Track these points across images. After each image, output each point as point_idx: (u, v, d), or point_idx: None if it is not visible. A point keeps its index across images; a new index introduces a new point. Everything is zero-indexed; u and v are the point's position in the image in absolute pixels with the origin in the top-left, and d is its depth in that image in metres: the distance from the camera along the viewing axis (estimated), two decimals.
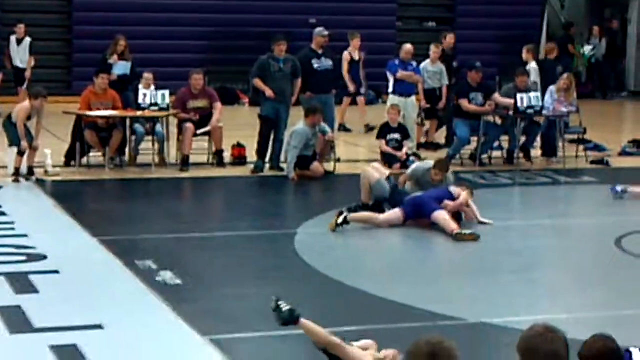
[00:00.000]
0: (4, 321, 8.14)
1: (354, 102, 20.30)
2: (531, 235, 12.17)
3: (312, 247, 11.14)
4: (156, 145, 15.93)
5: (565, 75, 17.61)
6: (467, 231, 11.60)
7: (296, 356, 7.82)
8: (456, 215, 12.07)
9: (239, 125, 18.50)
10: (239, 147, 16.43)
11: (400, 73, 17.76)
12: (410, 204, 12.13)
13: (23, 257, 10.21)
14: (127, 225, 12.10)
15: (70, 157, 15.65)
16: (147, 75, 16.41)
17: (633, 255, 11.12)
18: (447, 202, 12.06)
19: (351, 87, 19.84)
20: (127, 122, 15.65)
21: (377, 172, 12.92)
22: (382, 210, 12.40)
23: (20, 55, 21.37)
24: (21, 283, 9.25)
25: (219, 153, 16.08)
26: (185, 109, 15.94)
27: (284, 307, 6.68)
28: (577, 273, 10.69)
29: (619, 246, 11.44)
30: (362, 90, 20.40)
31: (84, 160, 15.64)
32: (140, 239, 11.42)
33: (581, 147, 17.65)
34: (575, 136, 17.82)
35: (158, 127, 16.01)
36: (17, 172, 14.34)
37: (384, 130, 16.40)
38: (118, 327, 8.12)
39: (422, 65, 18.33)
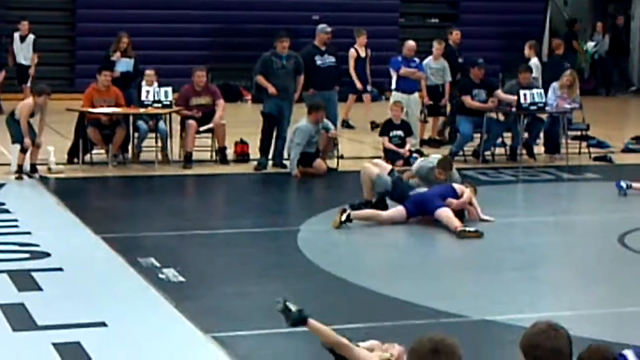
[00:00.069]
0: (7, 319, 8.14)
1: (359, 100, 20.27)
2: (534, 232, 12.16)
3: (315, 244, 11.14)
4: (159, 143, 15.94)
5: (568, 72, 17.59)
6: (471, 228, 11.59)
7: (298, 354, 7.82)
8: (459, 213, 12.06)
9: (242, 122, 18.49)
10: (242, 144, 16.43)
11: (404, 70, 17.75)
12: (414, 202, 12.12)
13: (26, 255, 10.22)
14: (131, 223, 12.11)
15: (73, 155, 15.65)
16: (149, 72, 16.42)
17: (636, 252, 11.10)
18: (450, 200, 12.06)
19: (358, 85, 19.79)
20: (130, 119, 15.65)
21: (377, 167, 12.93)
22: (385, 208, 12.40)
23: (24, 52, 21.37)
24: (24, 280, 9.25)
25: (222, 150, 16.07)
26: (188, 106, 15.94)
27: (293, 307, 6.65)
28: (580, 270, 10.68)
29: (623, 243, 11.43)
30: (369, 87, 20.34)
31: (87, 157, 15.65)
32: (144, 236, 11.43)
33: (584, 143, 17.64)
34: (578, 133, 17.80)
35: (161, 124, 16.01)
36: (20, 170, 14.35)
37: (387, 127, 16.39)
38: (121, 325, 8.12)
39: (425, 62, 18.32)
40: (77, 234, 11.35)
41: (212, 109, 16.01)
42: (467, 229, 11.55)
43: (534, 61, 18.87)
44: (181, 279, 9.50)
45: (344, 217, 11.73)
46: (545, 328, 4.39)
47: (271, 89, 15.79)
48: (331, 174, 15.43)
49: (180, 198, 14.45)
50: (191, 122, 15.72)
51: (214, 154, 16.30)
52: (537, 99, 16.39)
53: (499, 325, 8.37)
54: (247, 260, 10.58)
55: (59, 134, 17.18)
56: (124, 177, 15.16)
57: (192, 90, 16.08)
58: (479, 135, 16.82)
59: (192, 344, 7.83)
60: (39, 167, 14.60)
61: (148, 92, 15.84)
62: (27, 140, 14.29)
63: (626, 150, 18.06)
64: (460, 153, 16.73)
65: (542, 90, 16.67)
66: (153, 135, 15.92)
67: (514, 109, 16.54)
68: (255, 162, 15.88)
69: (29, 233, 11.18)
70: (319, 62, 17.12)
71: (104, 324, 8.04)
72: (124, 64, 17.69)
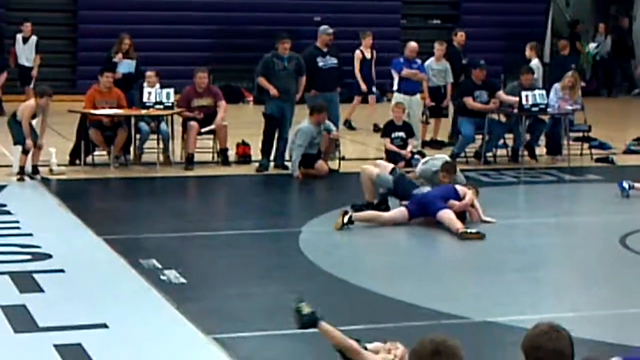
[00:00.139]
0: (9, 320, 8.15)
1: (364, 101, 20.22)
2: (536, 234, 12.16)
3: (317, 245, 11.14)
4: (161, 144, 15.93)
5: (570, 73, 17.59)
6: (473, 230, 11.59)
7: (300, 355, 7.82)
8: (461, 215, 12.05)
9: (243, 123, 18.49)
10: (243, 145, 16.43)
11: (406, 71, 17.75)
12: (416, 203, 12.13)
13: (28, 257, 10.22)
14: (132, 224, 12.11)
15: (75, 156, 15.65)
16: (150, 73, 16.40)
17: (638, 254, 11.10)
18: (453, 202, 12.05)
19: (363, 87, 19.77)
20: (132, 120, 15.66)
21: (378, 167, 12.96)
22: (387, 209, 12.40)
23: (26, 53, 21.36)
24: (26, 282, 9.26)
25: (223, 152, 16.07)
26: (190, 108, 15.94)
27: (306, 310, 6.60)
28: (582, 271, 10.67)
29: (624, 244, 11.43)
30: (374, 89, 20.28)
31: (89, 159, 15.65)
32: (145, 238, 11.43)
33: (586, 145, 17.63)
34: (580, 134, 17.80)
35: (163, 125, 16.02)
36: (22, 171, 14.35)
37: (388, 129, 16.38)
38: (122, 326, 8.12)
39: (427, 63, 18.32)
40: (79, 236, 11.35)
41: (213, 111, 16.01)
42: (469, 230, 11.55)
43: (535, 62, 18.86)
44: (183, 280, 9.50)
45: (345, 219, 11.73)
46: (547, 329, 4.38)
47: (272, 91, 15.79)
48: (333, 176, 15.43)
49: (182, 199, 14.45)
50: (193, 123, 15.72)
51: (215, 155, 16.30)
52: (538, 101, 16.39)
53: (501, 327, 8.37)
54: (249, 261, 10.58)
55: (61, 135, 17.18)
56: (125, 178, 15.16)
57: (193, 92, 16.08)
58: (480, 136, 16.82)
59: (194, 345, 7.83)
60: (40, 168, 14.60)
61: (150, 93, 15.84)
62: (28, 142, 14.29)
63: (628, 151, 18.04)
64: (462, 154, 16.73)
65: (543, 92, 16.67)
66: (155, 136, 15.92)
67: (515, 110, 16.54)
68: (257, 164, 15.88)
69: (30, 235, 11.18)
70: (320, 64, 17.12)
71: (105, 326, 8.05)
72: (126, 66, 17.70)
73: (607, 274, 10.44)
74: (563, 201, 14.78)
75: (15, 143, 14.55)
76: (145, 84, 16.27)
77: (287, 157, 15.72)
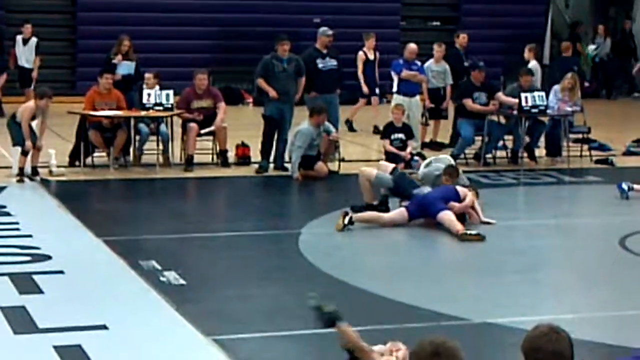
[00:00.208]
0: (8, 322, 8.15)
1: (369, 103, 20.15)
2: (536, 235, 12.16)
3: (317, 247, 11.15)
4: (160, 146, 15.93)
5: (569, 74, 17.59)
6: (473, 232, 11.59)
7: (299, 356, 7.82)
8: (461, 216, 12.05)
9: (243, 125, 18.49)
10: (243, 147, 16.43)
11: (405, 73, 17.75)
12: (416, 204, 12.13)
13: (27, 258, 10.22)
14: (132, 226, 12.11)
15: (74, 158, 15.65)
16: (148, 75, 16.37)
17: (638, 255, 11.10)
18: (453, 203, 12.04)
19: (365, 89, 19.75)
20: (132, 122, 15.66)
21: (378, 168, 12.98)
22: (386, 210, 12.41)
23: (26, 55, 21.35)
24: (25, 283, 9.26)
25: (223, 153, 16.08)
26: (189, 109, 15.94)
27: (327, 308, 6.45)
28: (581, 273, 10.67)
29: (624, 246, 11.44)
30: (377, 90, 20.24)
31: (89, 160, 15.64)
32: (145, 239, 11.43)
33: (586, 146, 17.63)
34: (579, 136, 17.81)
35: (162, 127, 16.02)
36: (21, 173, 14.35)
37: (388, 130, 16.38)
38: (122, 328, 8.12)
39: (427, 64, 18.32)
40: (78, 237, 11.35)
41: (213, 112, 16.01)
42: (469, 232, 11.55)
43: (533, 64, 18.85)
44: (182, 281, 9.50)
45: (346, 220, 11.74)
46: (546, 331, 4.38)
47: (272, 93, 15.80)
48: (332, 177, 15.43)
49: (182, 201, 14.45)
50: (192, 125, 15.73)
51: (215, 156, 16.30)
52: (538, 102, 16.40)
53: (501, 328, 8.37)
54: (248, 263, 10.58)
55: (60, 136, 17.18)
56: (125, 179, 15.16)
57: (193, 93, 16.08)
58: (480, 138, 16.82)
59: (193, 346, 7.83)
60: (40, 169, 14.60)
61: (149, 95, 15.83)
62: (28, 143, 14.29)
63: (627, 153, 18.06)
64: (462, 156, 16.73)
65: (543, 93, 16.67)
66: (154, 138, 15.91)
67: (515, 112, 16.54)
68: (256, 165, 15.89)
69: (30, 236, 11.18)
70: (320, 65, 17.12)
71: (105, 327, 8.05)
72: (125, 67, 17.69)
73: (606, 275, 10.44)
74: (563, 203, 14.78)
75: (14, 144, 14.55)
76: (144, 86, 16.27)
77: (286, 158, 15.73)
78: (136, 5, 24.60)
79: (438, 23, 27.61)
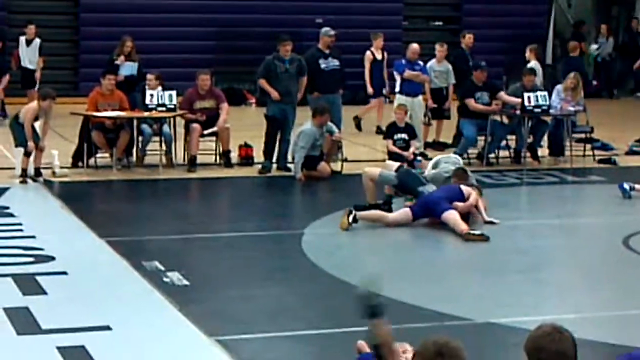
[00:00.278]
0: (12, 323, 8.15)
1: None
2: (539, 235, 12.16)
3: (320, 247, 11.15)
4: (163, 146, 15.94)
5: (572, 74, 17.58)
6: (477, 232, 11.58)
7: (302, 357, 7.82)
8: (465, 215, 12.05)
9: (246, 125, 18.50)
10: (246, 147, 16.44)
11: (408, 73, 17.76)
12: (420, 204, 12.13)
13: (31, 259, 10.22)
14: (135, 226, 12.11)
15: (77, 158, 15.65)
16: (150, 76, 16.37)
17: None
18: (457, 203, 12.04)
19: (369, 90, 19.72)
20: (135, 123, 15.67)
21: (384, 167, 13.00)
22: (390, 210, 12.41)
23: (30, 56, 21.34)
24: (29, 284, 9.26)
25: (226, 154, 16.08)
26: (192, 110, 15.95)
27: (374, 301, 6.19)
28: (585, 272, 10.67)
29: (627, 245, 11.43)
30: (384, 91, 20.20)
31: (92, 161, 15.64)
32: (148, 240, 11.43)
33: (588, 146, 17.62)
34: (582, 135, 17.79)
35: (165, 127, 16.02)
36: (24, 173, 14.36)
37: (391, 130, 16.38)
38: (125, 328, 8.13)
39: (429, 64, 18.32)
40: (82, 238, 11.35)
41: (216, 113, 16.02)
42: (474, 232, 11.54)
43: (533, 64, 18.83)
44: (185, 282, 9.50)
45: (350, 219, 11.74)
46: (549, 331, 4.38)
47: (273, 94, 15.80)
48: (335, 177, 15.43)
49: (185, 201, 14.45)
50: (195, 125, 15.73)
51: (218, 157, 16.30)
52: (541, 102, 16.39)
53: (503, 328, 8.37)
54: (251, 263, 10.59)
55: (63, 137, 17.19)
56: (128, 180, 15.16)
57: (196, 94, 16.09)
58: (483, 138, 16.82)
59: (196, 347, 7.84)
60: (43, 170, 14.62)
61: (152, 95, 15.84)
62: (30, 144, 14.30)
63: (630, 152, 18.05)
64: (464, 156, 16.71)
65: (545, 93, 16.67)
66: (157, 138, 15.92)
67: (518, 112, 16.54)
68: (259, 166, 15.89)
69: (33, 237, 11.18)
70: (322, 66, 17.11)
71: (108, 328, 8.05)
72: (128, 68, 17.70)
73: (610, 275, 10.44)
74: (566, 202, 14.77)
75: (17, 145, 14.56)
76: (147, 87, 16.27)
77: (289, 159, 15.73)
78: (139, 6, 24.61)
79: (440, 23, 27.60)
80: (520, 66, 18.32)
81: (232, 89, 23.66)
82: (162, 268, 9.91)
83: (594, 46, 27.90)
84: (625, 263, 10.91)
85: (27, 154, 14.36)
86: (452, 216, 11.78)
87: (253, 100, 24.29)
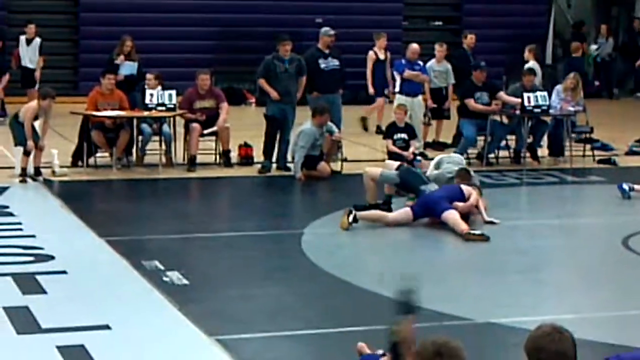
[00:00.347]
0: (11, 322, 8.16)
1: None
2: (538, 235, 12.16)
3: (319, 247, 11.15)
4: (163, 146, 15.94)
5: (572, 74, 17.59)
6: (477, 232, 11.58)
7: (302, 357, 7.83)
8: (465, 215, 12.05)
9: (246, 125, 18.50)
10: (246, 147, 16.44)
11: (407, 73, 17.76)
12: (421, 204, 12.13)
13: (31, 258, 10.23)
14: (134, 226, 12.11)
15: (77, 158, 15.66)
16: (149, 76, 16.36)
17: None
18: (457, 203, 12.04)
19: (371, 90, 19.71)
20: (135, 122, 15.67)
21: (385, 167, 13.01)
22: (389, 210, 12.42)
23: (30, 55, 21.34)
24: (29, 284, 9.27)
25: (226, 153, 16.08)
26: (192, 110, 15.95)
27: (412, 300, 6.10)
28: (584, 273, 10.67)
29: (627, 246, 11.43)
30: (386, 91, 20.19)
31: (91, 160, 15.65)
32: (148, 239, 11.43)
33: (588, 146, 17.63)
34: (582, 135, 17.80)
35: (165, 127, 16.02)
36: (24, 173, 14.36)
37: (390, 130, 16.38)
38: (125, 328, 8.13)
39: (429, 64, 18.32)
40: (81, 237, 11.35)
41: (216, 112, 16.02)
42: (474, 232, 11.54)
43: (532, 64, 18.82)
44: (185, 281, 9.51)
45: (350, 218, 11.74)
46: (549, 331, 4.38)
47: (273, 94, 15.80)
48: (335, 177, 15.43)
49: (184, 201, 14.45)
50: (195, 125, 15.74)
51: (217, 157, 16.31)
52: (540, 102, 16.40)
53: (503, 328, 8.37)
54: (251, 263, 10.59)
55: (63, 137, 17.19)
56: (128, 180, 15.17)
57: (196, 94, 16.09)
58: (482, 138, 16.82)
59: (196, 346, 7.84)
60: (42, 170, 14.62)
61: (152, 95, 15.84)
62: (30, 143, 14.30)
63: (630, 152, 18.05)
64: (464, 156, 16.71)
65: (545, 93, 16.67)
66: (157, 138, 15.92)
67: (517, 112, 16.54)
68: (259, 165, 15.89)
69: (33, 236, 11.18)
70: (322, 65, 17.11)
71: (108, 327, 8.05)
72: (128, 67, 17.70)
73: (609, 275, 10.45)
74: (565, 202, 14.78)
75: (16, 144, 14.56)
76: (146, 86, 16.27)
77: (289, 158, 15.73)
78: (139, 5, 24.61)
79: (440, 23, 27.61)
80: (520, 66, 18.32)
81: (232, 88, 23.66)
82: (162, 267, 9.92)
83: (594, 46, 27.91)
84: (624, 263, 10.91)
85: (26, 153, 14.36)
86: (452, 216, 11.78)
87: (253, 100, 24.29)
